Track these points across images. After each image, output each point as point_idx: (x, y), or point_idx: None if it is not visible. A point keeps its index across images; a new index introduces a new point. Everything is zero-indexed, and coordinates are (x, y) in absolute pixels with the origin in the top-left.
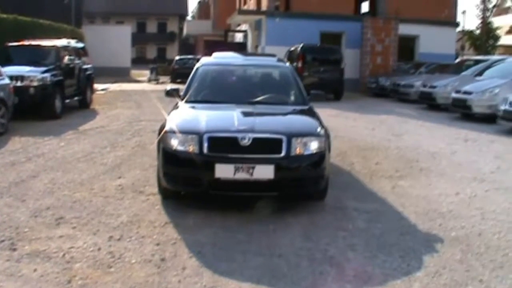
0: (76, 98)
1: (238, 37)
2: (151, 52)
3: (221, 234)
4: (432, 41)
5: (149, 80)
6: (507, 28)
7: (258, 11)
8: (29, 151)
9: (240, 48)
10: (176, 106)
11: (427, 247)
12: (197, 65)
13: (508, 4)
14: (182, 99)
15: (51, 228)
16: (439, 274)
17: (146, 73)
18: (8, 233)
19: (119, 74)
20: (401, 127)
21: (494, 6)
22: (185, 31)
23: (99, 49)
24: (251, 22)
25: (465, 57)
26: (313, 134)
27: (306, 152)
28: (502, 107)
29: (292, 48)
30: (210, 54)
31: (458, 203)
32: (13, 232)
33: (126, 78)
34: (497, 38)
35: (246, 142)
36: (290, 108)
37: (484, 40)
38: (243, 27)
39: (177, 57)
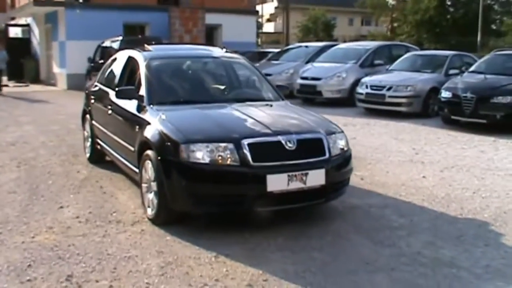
0: None
1: (14, 32)
2: None
3: (294, 257)
4: (234, 29)
5: None
6: (267, 17)
7: (56, 1)
8: None
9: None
10: (143, 111)
11: (490, 232)
12: (141, 60)
13: None
14: (148, 102)
15: None
16: None
17: None
18: None
19: None
20: None
21: None
22: None
23: None
24: (39, 14)
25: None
26: (338, 131)
27: (339, 151)
28: (363, 91)
29: (107, 43)
30: None
31: (440, 187)
32: None
33: None
34: (260, 25)
35: (291, 145)
36: (276, 104)
37: None
38: (23, 20)
39: None
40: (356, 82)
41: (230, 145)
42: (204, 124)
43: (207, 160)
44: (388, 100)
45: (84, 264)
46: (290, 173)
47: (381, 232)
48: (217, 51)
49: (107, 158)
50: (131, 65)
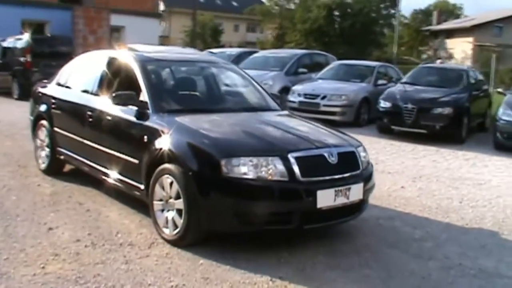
0: None
1: None
2: None
3: (349, 276)
4: (137, 32)
5: None
6: None
7: None
8: None
9: None
10: (148, 119)
11: (506, 241)
12: (132, 62)
13: None
14: (155, 110)
15: None
16: None
17: None
18: None
19: None
20: None
21: None
22: None
23: None
24: None
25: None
26: (358, 144)
27: (366, 164)
28: (295, 99)
29: (9, 42)
30: None
31: (425, 197)
32: None
33: None
34: None
35: (334, 159)
36: (286, 114)
37: None
38: None
39: None
40: (282, 90)
41: (276, 159)
42: (238, 135)
43: (252, 175)
44: (322, 109)
45: None
46: (337, 188)
47: (409, 244)
48: (204, 56)
49: (65, 170)
50: (114, 67)
